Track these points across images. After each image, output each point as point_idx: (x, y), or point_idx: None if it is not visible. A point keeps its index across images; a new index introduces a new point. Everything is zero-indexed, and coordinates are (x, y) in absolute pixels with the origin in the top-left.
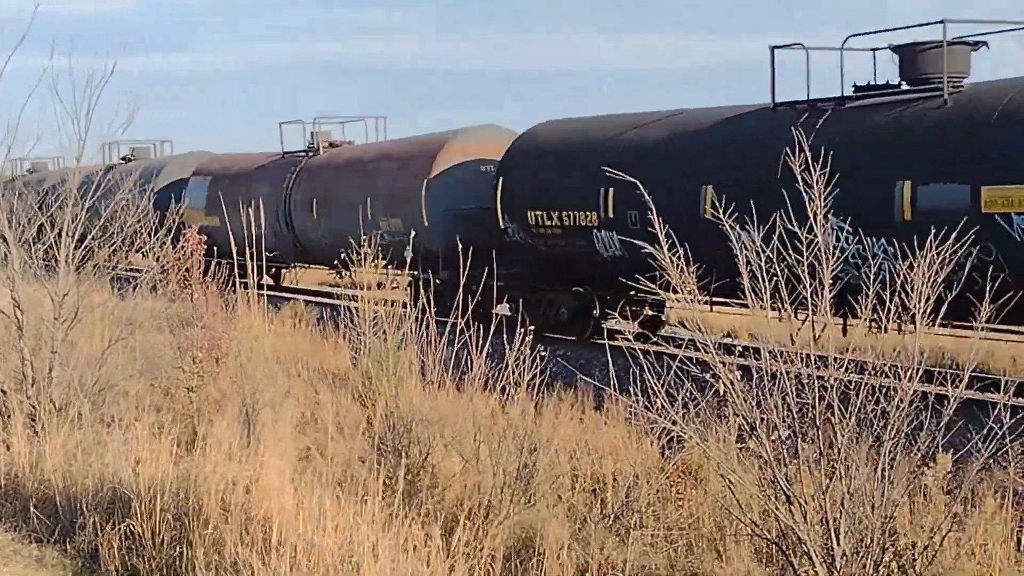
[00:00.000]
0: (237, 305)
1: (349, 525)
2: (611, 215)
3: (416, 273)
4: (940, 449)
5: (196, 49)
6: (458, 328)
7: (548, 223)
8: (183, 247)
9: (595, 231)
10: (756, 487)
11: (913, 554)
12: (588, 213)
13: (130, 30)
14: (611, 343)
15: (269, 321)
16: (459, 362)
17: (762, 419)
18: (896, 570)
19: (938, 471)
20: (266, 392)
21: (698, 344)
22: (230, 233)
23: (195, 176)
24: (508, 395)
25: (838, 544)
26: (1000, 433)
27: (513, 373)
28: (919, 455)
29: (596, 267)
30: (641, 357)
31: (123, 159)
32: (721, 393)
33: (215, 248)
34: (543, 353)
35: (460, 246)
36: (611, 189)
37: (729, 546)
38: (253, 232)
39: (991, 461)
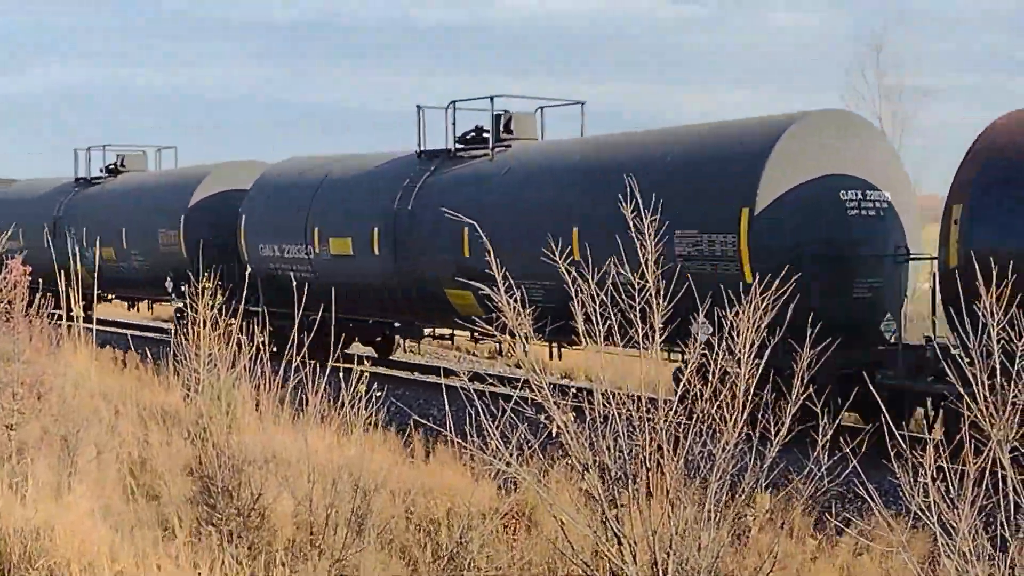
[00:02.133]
0: (63, 340)
1: (172, 570)
2: None
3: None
4: (763, 489)
5: None
6: (294, 364)
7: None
8: (5, 278)
9: None
10: (587, 528)
11: None
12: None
13: None
14: (447, 383)
15: (96, 357)
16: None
17: (594, 460)
18: None
19: (757, 511)
20: (91, 430)
21: (533, 386)
22: None
23: None
24: (345, 434)
25: None
26: (818, 474)
27: (349, 412)
28: (744, 496)
29: None
30: (476, 399)
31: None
32: (554, 434)
33: None
34: (378, 393)
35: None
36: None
37: None
38: None
39: (811, 501)
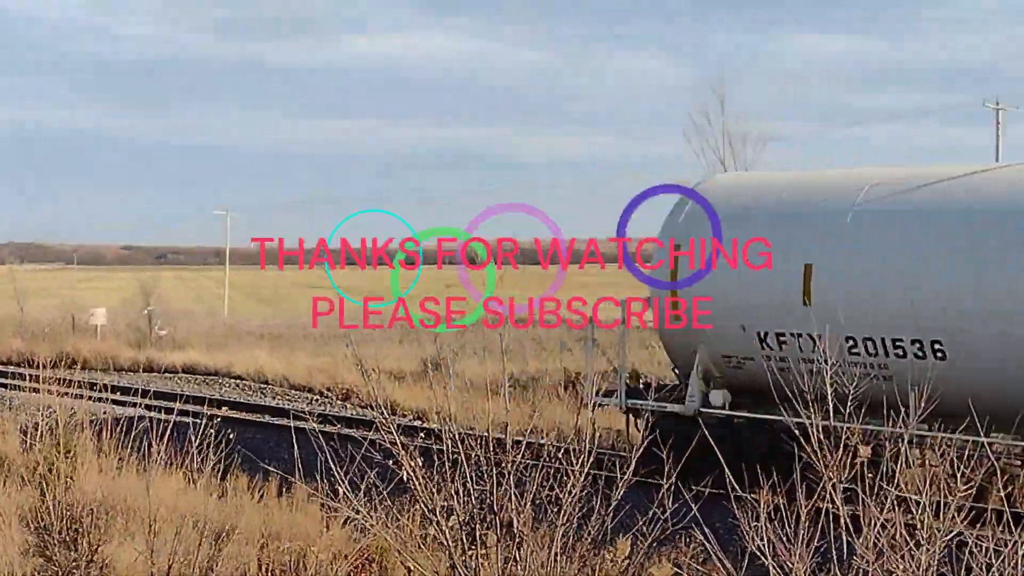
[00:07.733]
0: None
1: None
2: None
3: None
4: (610, 532)
5: None
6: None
7: None
8: None
9: None
10: (434, 572)
11: None
12: None
13: None
14: (295, 425)
15: None
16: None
17: (443, 505)
18: None
19: (617, 556)
20: None
21: (381, 430)
22: None
23: None
24: (192, 479)
25: None
26: (663, 517)
27: (196, 457)
28: (590, 538)
29: None
30: (324, 444)
31: None
32: (405, 480)
33: None
34: (231, 435)
35: None
36: None
37: None
38: None
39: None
